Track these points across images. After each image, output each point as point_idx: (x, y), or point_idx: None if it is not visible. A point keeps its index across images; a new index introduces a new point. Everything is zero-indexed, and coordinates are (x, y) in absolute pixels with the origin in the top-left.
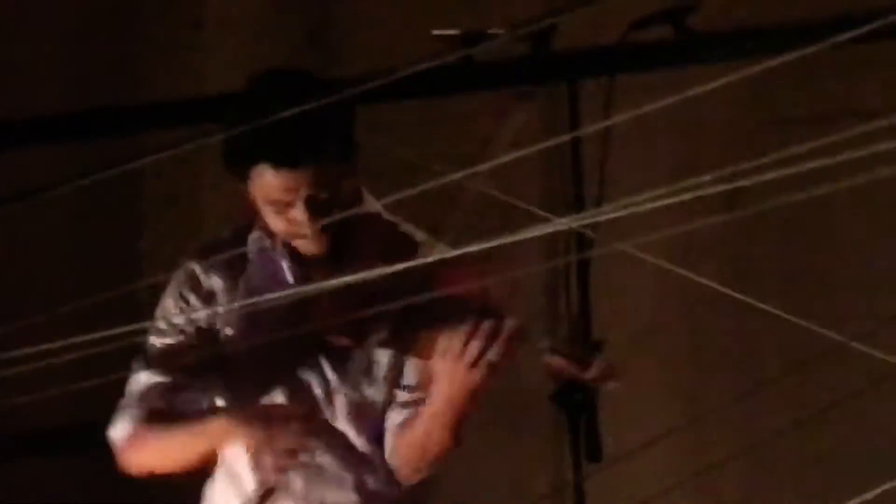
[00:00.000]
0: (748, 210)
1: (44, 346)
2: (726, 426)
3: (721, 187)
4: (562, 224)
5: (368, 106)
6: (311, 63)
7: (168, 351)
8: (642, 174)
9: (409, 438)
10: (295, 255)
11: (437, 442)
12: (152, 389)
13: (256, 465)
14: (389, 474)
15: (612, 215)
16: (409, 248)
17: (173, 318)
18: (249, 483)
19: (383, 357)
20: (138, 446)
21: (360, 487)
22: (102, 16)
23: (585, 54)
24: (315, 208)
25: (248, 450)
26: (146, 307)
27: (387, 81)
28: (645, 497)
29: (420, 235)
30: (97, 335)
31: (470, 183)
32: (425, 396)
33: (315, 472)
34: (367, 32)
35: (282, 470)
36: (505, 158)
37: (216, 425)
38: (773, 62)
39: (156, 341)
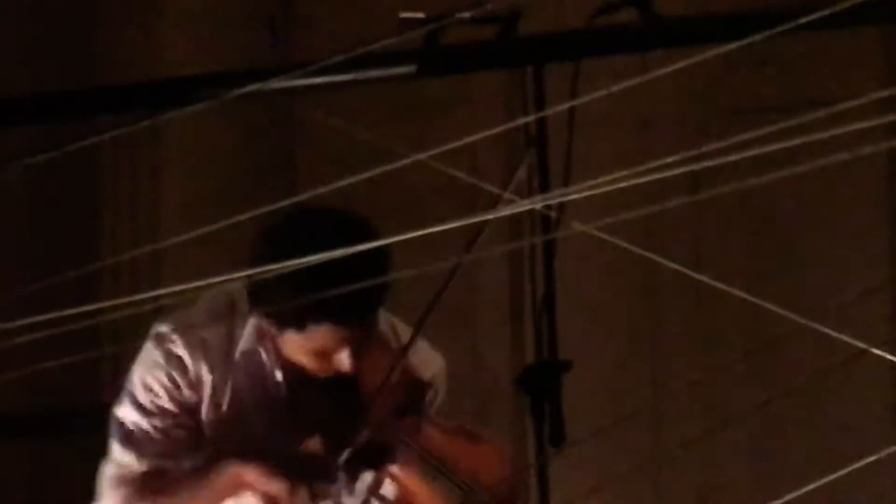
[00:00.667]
0: (710, 192)
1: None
2: (688, 408)
3: (684, 168)
4: (527, 205)
5: (336, 91)
6: (272, 52)
7: (151, 434)
8: (605, 162)
9: None
10: (288, 368)
11: None
12: (136, 477)
13: None
14: None
15: (577, 195)
16: (415, 388)
17: (157, 399)
18: None
19: (367, 474)
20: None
21: None
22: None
23: (552, 39)
24: (356, 350)
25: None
26: (105, 289)
27: (352, 64)
28: (606, 480)
29: (428, 372)
30: (55, 315)
31: (436, 165)
32: None
33: None
34: (328, 22)
35: None
36: (470, 139)
37: (233, 471)
38: (735, 45)
39: (137, 421)
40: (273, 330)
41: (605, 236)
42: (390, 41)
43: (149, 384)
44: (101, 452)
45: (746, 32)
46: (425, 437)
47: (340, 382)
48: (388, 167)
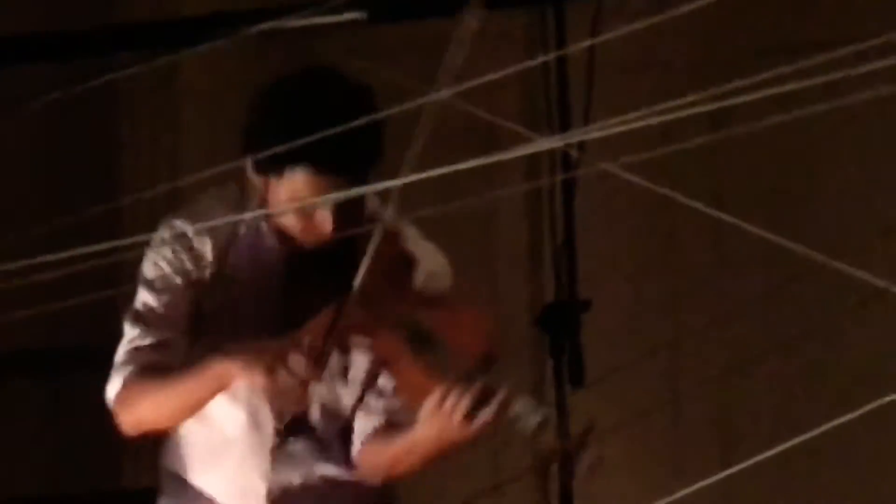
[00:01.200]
0: (731, 131)
1: (22, 263)
2: (705, 346)
3: (704, 108)
4: (547, 143)
5: (352, 30)
6: None
7: (157, 309)
8: (625, 103)
9: (377, 451)
10: (287, 245)
11: (406, 466)
12: (143, 347)
13: (271, 400)
14: (352, 467)
15: (598, 134)
16: (406, 268)
17: (163, 275)
18: (268, 424)
19: (361, 360)
20: (132, 401)
21: (324, 476)
22: None
23: None
24: (340, 210)
25: (255, 388)
26: (125, 227)
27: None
28: (626, 419)
29: (421, 251)
30: (76, 252)
31: (456, 103)
32: (397, 406)
33: (283, 457)
34: None
35: (295, 405)
36: (490, 77)
37: (217, 367)
38: None
39: (145, 299)
40: (259, 182)
41: (625, 174)
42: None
43: (156, 261)
44: None
45: None
46: (410, 307)
47: (335, 260)
48: (407, 105)
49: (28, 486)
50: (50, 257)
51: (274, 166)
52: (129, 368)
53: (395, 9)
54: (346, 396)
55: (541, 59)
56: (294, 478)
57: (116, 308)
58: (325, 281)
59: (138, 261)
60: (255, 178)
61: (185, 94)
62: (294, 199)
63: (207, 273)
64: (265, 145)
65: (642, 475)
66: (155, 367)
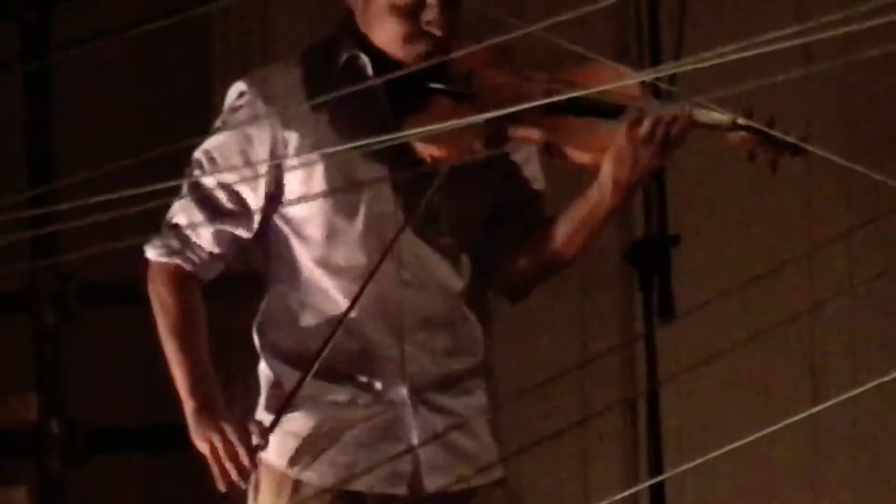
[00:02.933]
0: (823, 65)
1: (111, 196)
2: (795, 279)
3: (797, 41)
4: (639, 76)
5: None
6: None
7: (224, 194)
8: (716, 36)
9: (548, 240)
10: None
11: (578, 243)
12: (191, 237)
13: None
14: (481, 306)
15: (688, 67)
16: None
17: (232, 159)
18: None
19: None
20: (151, 289)
21: (459, 312)
22: None
23: None
24: (447, 8)
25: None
26: None
27: None
28: (715, 352)
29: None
30: (169, 184)
31: (547, 36)
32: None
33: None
34: None
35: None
36: (581, 11)
37: (186, 398)
38: None
39: (206, 173)
40: None
41: (715, 108)
42: None
43: (228, 136)
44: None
45: None
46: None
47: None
48: (499, 39)
49: (119, 415)
50: (137, 190)
51: None
52: (168, 257)
53: None
54: (475, 203)
55: None
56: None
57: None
58: (438, 108)
59: None
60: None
61: (278, 23)
62: None
63: (296, 139)
64: None
65: (732, 407)
66: (185, 278)
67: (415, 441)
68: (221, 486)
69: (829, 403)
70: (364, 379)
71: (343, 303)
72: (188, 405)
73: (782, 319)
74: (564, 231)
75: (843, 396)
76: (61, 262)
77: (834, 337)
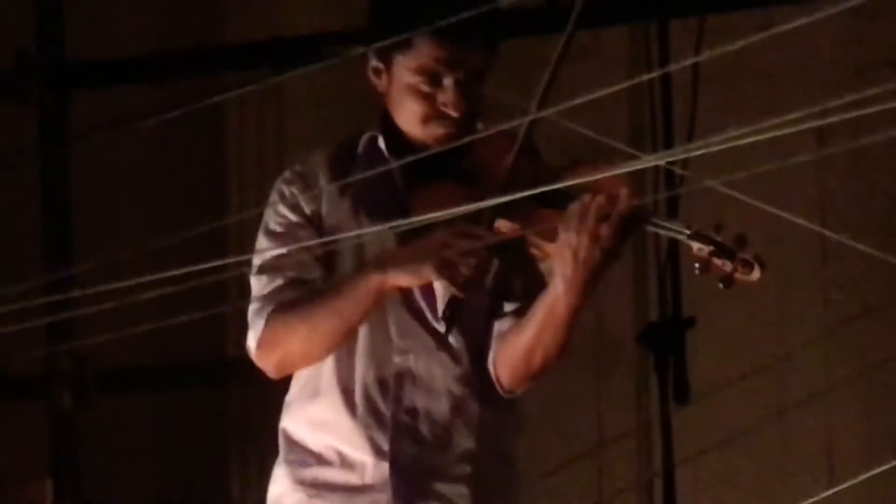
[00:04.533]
0: (836, 148)
1: (129, 282)
2: (810, 363)
3: (810, 124)
4: (651, 160)
5: None
6: None
7: (281, 254)
8: (728, 117)
9: (516, 341)
10: (404, 155)
11: (546, 344)
12: (275, 289)
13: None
14: (485, 391)
15: (701, 151)
16: (533, 155)
17: (282, 220)
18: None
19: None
20: (278, 338)
21: (454, 399)
22: None
23: None
24: (464, 92)
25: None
26: (233, 241)
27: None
28: (731, 435)
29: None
30: (184, 270)
31: (560, 120)
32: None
33: (409, 378)
34: None
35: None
36: (593, 95)
37: (373, 278)
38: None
39: (267, 249)
40: (382, 67)
41: (729, 191)
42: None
43: (273, 211)
44: (228, 405)
45: None
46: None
47: (453, 167)
48: (512, 123)
49: (135, 501)
50: (159, 276)
51: (401, 43)
52: (268, 310)
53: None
54: (480, 303)
55: (644, 76)
56: (417, 398)
57: (222, 324)
58: (445, 190)
59: (245, 278)
60: (376, 78)
61: (290, 110)
62: (422, 68)
63: (325, 209)
64: (393, 20)
65: (747, 491)
66: (295, 303)
67: None
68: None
69: (845, 485)
70: (354, 457)
71: (337, 376)
72: (376, 271)
73: (797, 401)
74: (530, 331)
75: (859, 478)
76: (78, 347)
77: (849, 419)
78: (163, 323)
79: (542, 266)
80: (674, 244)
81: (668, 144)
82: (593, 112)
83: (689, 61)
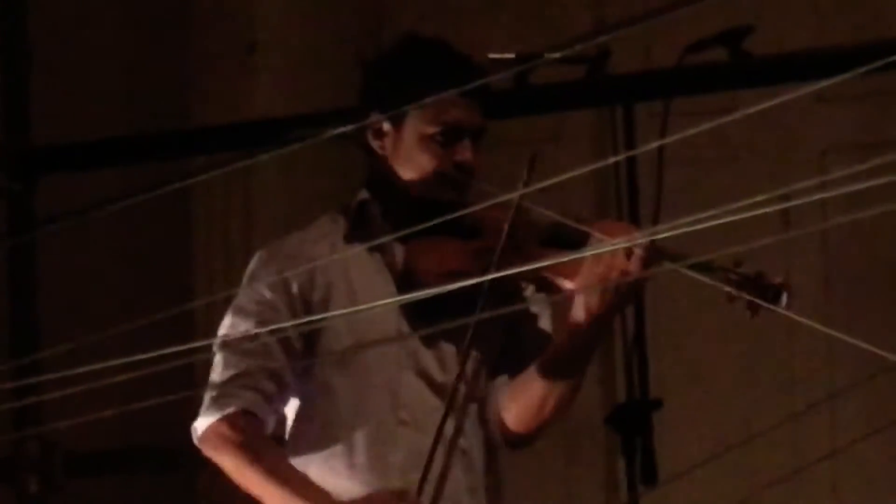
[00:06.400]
0: (804, 230)
1: (97, 366)
2: (777, 447)
3: (775, 207)
4: (618, 244)
5: None
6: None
7: (248, 333)
8: (694, 200)
9: (531, 387)
10: (398, 224)
11: (560, 386)
12: (235, 380)
13: None
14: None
15: (666, 234)
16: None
17: (255, 298)
18: None
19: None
20: (212, 452)
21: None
22: (156, 41)
23: (641, 78)
24: (475, 145)
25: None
26: (200, 326)
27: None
28: None
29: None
30: (152, 354)
31: (526, 204)
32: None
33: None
34: None
35: None
36: (559, 178)
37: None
38: (820, 85)
39: (235, 325)
40: (388, 128)
41: (694, 274)
42: (481, 82)
43: (253, 287)
44: (196, 491)
45: (836, 70)
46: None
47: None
48: (479, 207)
49: None
50: (126, 360)
51: (420, 97)
52: (223, 412)
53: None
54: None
55: (610, 159)
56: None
57: (190, 408)
58: (446, 243)
59: (210, 363)
60: (377, 141)
61: (258, 192)
62: (442, 120)
63: (310, 288)
64: (409, 85)
65: None
66: (246, 418)
67: None
68: None
69: None
70: None
71: (338, 435)
72: None
73: (766, 484)
74: (548, 367)
75: None
76: (45, 432)
77: (818, 501)
78: (130, 407)
79: (547, 317)
80: (640, 325)
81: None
82: (560, 195)
83: (654, 144)
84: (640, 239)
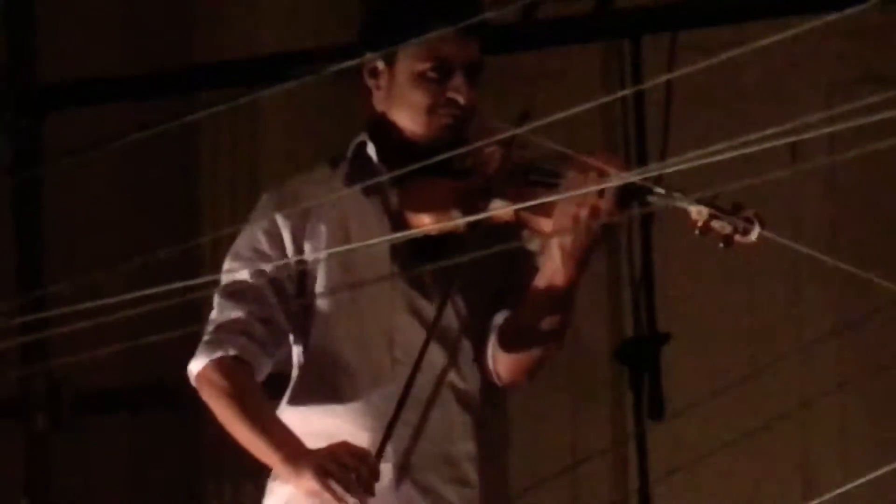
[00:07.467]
0: (809, 164)
1: (103, 302)
2: (785, 378)
3: (781, 141)
4: (626, 178)
5: None
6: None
7: (245, 281)
8: (701, 135)
9: (515, 328)
10: (394, 166)
11: (544, 327)
12: (227, 325)
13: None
14: (484, 390)
15: (675, 168)
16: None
17: (253, 246)
18: None
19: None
20: (204, 392)
21: (455, 398)
22: None
23: (649, 11)
24: (470, 81)
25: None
26: (205, 262)
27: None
28: (706, 452)
29: None
30: (157, 290)
31: (535, 139)
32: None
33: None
34: None
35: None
36: (567, 113)
37: (277, 458)
38: (828, 18)
39: (234, 271)
40: (382, 66)
41: (703, 207)
42: (489, 15)
43: (251, 232)
44: (203, 428)
45: (845, 3)
46: None
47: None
48: (487, 142)
49: None
50: (133, 294)
51: (413, 34)
52: (214, 355)
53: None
54: (480, 312)
55: (617, 94)
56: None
57: (195, 346)
58: (438, 183)
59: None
60: (372, 79)
61: (264, 130)
62: (434, 55)
63: (302, 235)
64: (401, 22)
65: None
66: (236, 364)
67: None
68: None
69: (821, 499)
70: None
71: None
72: (279, 462)
73: (773, 418)
74: (528, 314)
75: (834, 493)
76: (53, 369)
77: (825, 434)
78: (137, 342)
79: (532, 246)
80: (648, 260)
81: (642, 162)
82: (567, 131)
83: (661, 78)
84: (632, 174)
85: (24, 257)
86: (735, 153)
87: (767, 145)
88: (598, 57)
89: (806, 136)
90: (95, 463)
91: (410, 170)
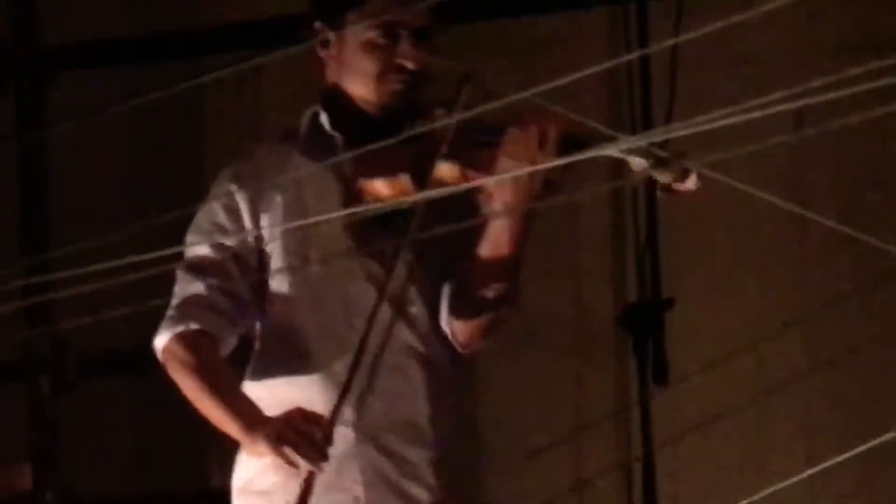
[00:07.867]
0: (816, 130)
1: (107, 265)
2: (789, 344)
3: (788, 105)
4: (630, 141)
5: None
6: None
7: (207, 255)
8: (707, 100)
9: (463, 295)
10: (350, 137)
11: (496, 288)
12: (190, 299)
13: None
14: (442, 353)
15: (679, 133)
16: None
17: (212, 220)
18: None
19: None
20: (169, 366)
21: (414, 362)
22: None
23: None
24: (420, 46)
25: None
26: None
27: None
28: (710, 417)
29: None
30: (161, 253)
31: (539, 103)
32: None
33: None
34: None
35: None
36: (572, 77)
37: (236, 428)
38: None
39: (195, 246)
40: (331, 36)
41: (707, 171)
42: None
43: (210, 207)
44: None
45: None
46: None
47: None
48: (490, 105)
49: (115, 486)
50: (138, 258)
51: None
52: (178, 329)
53: (476, 10)
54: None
55: (623, 58)
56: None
57: None
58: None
59: None
60: (323, 50)
61: (268, 94)
62: (378, 25)
63: (256, 208)
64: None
65: (726, 473)
66: (200, 338)
67: (359, 483)
68: (314, 468)
69: (824, 465)
70: None
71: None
72: (238, 432)
73: (777, 383)
74: (478, 275)
75: (839, 458)
76: (57, 331)
77: (828, 400)
78: (142, 304)
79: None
80: (653, 225)
81: (648, 126)
82: (572, 95)
83: (667, 43)
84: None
85: (29, 220)
86: (739, 118)
87: (773, 110)
88: (604, 21)
89: (810, 101)
90: (100, 425)
91: (358, 129)
